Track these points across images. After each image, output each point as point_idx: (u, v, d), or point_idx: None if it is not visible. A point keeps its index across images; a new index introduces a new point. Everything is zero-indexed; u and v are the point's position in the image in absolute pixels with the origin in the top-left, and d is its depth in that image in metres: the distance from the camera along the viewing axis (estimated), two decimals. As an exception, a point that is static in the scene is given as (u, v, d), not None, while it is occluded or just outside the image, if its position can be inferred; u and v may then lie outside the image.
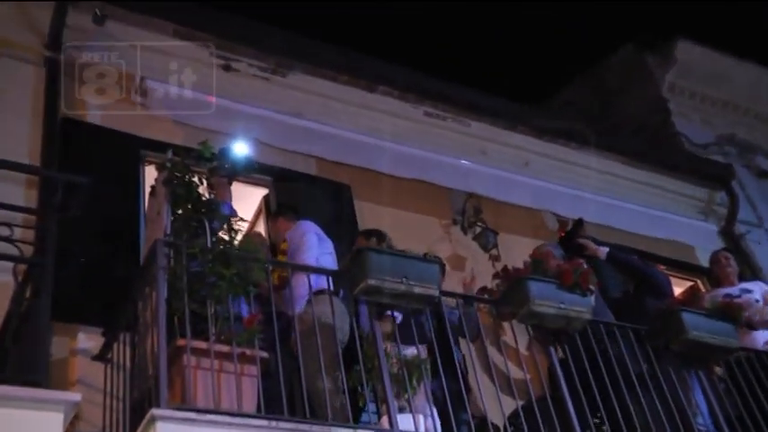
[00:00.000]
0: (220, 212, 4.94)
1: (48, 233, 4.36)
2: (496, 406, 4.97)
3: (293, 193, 6.94)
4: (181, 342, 4.17)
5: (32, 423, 3.66)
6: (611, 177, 9.00)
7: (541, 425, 4.85)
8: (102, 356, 4.95)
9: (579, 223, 6.92)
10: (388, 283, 4.60)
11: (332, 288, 4.96)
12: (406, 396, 4.65)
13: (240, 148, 6.43)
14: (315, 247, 5.58)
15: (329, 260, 5.61)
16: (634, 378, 5.34)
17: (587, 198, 8.55)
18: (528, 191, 8.35)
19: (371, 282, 4.58)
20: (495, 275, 5.41)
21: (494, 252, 7.42)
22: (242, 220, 5.34)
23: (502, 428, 5.43)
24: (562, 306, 5.12)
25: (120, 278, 5.22)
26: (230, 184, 6.00)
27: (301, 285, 5.08)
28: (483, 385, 4.96)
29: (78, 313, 5.30)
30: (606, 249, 6.59)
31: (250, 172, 6.69)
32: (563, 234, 7.06)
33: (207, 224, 4.67)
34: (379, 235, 5.87)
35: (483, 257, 7.41)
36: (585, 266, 5.33)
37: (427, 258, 4.91)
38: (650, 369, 5.52)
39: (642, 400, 5.29)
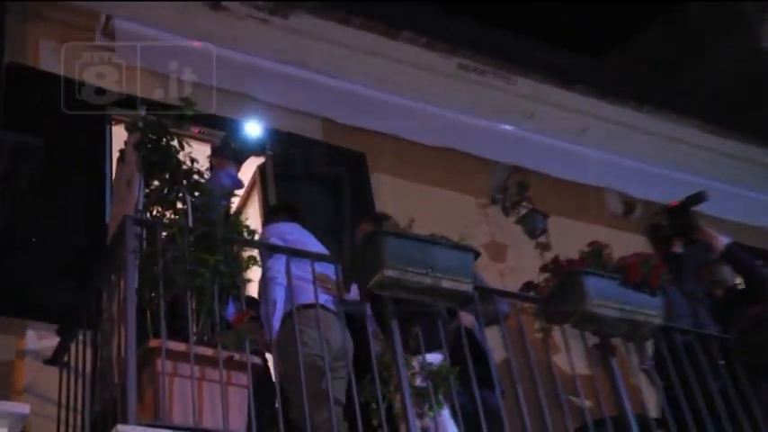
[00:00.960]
0: (208, 185, 4.94)
1: (-10, 207, 4.39)
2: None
3: (293, 161, 6.96)
4: (154, 343, 4.19)
5: (-30, 440, 3.72)
6: (691, 149, 8.97)
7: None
8: (56, 360, 4.99)
9: (701, 197, 6.87)
10: (410, 275, 4.59)
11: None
12: (432, 414, 4.67)
13: (251, 129, 6.63)
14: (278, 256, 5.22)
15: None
16: (719, 401, 5.34)
17: (661, 174, 8.54)
18: (585, 164, 8.34)
19: (389, 273, 4.55)
20: (544, 268, 5.41)
21: (542, 239, 7.44)
22: (232, 195, 5.37)
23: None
24: (626, 308, 5.13)
25: (79, 264, 5.27)
26: (239, 167, 6.04)
27: (271, 294, 5.00)
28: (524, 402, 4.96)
29: (27, 307, 5.36)
30: (727, 240, 6.55)
31: (260, 154, 6.77)
32: (676, 204, 6.99)
33: (188, 198, 4.68)
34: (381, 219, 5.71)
35: (528, 246, 7.44)
36: (661, 258, 5.29)
37: (459, 245, 4.90)
38: (739, 391, 5.52)
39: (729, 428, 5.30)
